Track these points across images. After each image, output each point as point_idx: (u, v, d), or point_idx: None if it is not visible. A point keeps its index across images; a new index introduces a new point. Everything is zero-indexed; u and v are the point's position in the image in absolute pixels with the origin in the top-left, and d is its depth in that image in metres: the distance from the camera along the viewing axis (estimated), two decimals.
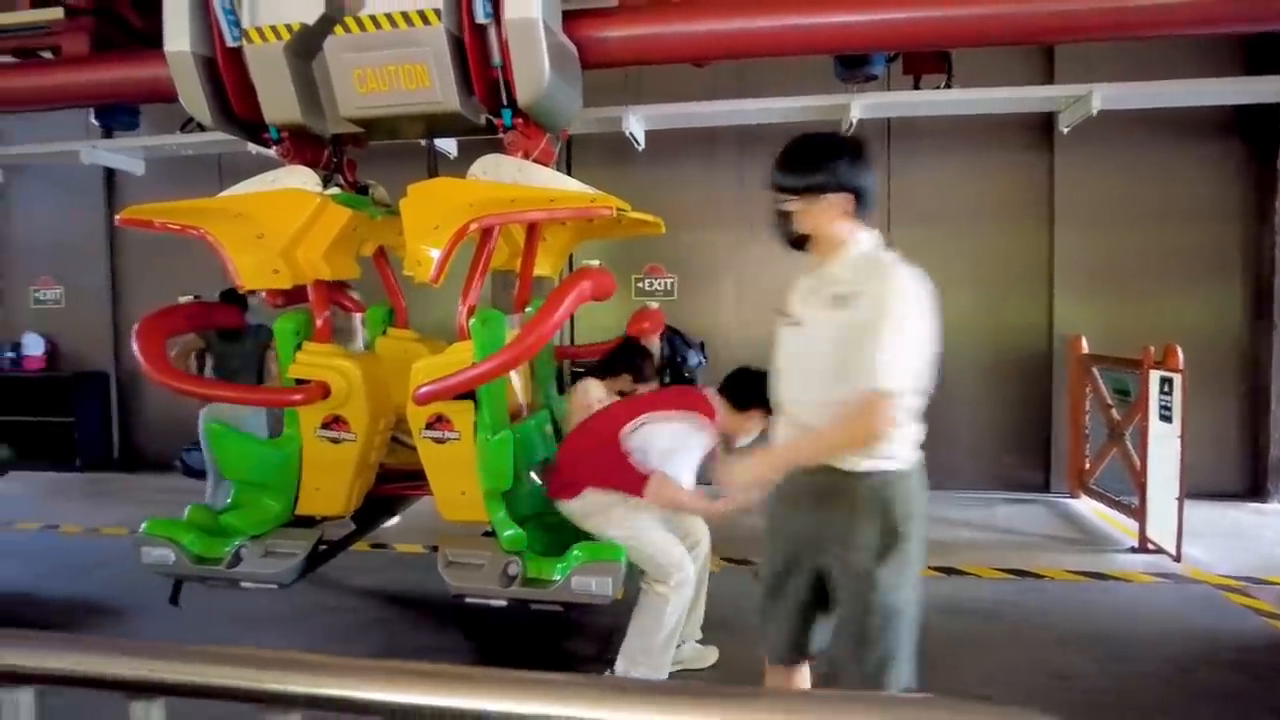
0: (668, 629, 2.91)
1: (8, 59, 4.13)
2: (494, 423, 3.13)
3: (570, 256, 4.52)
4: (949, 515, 5.45)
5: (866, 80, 4.22)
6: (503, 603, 3.08)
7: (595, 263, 3.38)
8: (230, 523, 3.35)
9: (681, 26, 3.50)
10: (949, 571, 4.38)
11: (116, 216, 3.27)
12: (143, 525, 3.31)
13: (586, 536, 3.06)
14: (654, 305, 4.69)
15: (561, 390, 4.25)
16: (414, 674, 0.67)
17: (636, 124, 5.92)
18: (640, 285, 6.80)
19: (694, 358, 5.24)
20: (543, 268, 3.92)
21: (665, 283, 6.81)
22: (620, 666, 2.94)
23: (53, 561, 4.76)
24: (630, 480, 2.85)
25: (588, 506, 3.01)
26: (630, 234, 3.87)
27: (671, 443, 2.92)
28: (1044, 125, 6.10)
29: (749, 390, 2.73)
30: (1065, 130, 5.70)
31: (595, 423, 3.13)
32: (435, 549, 3.25)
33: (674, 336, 5.20)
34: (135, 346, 3.23)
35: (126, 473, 7.55)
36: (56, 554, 4.96)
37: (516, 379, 3.53)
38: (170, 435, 6.97)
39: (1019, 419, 6.38)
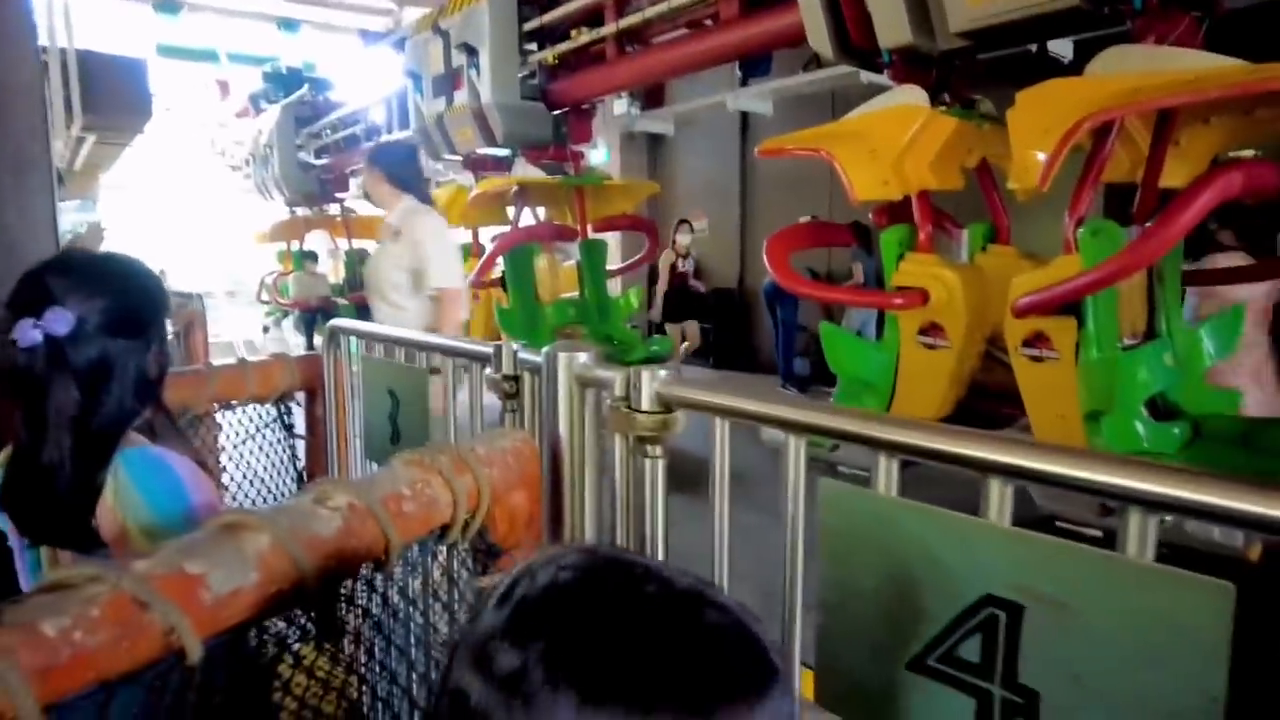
0: None
1: (683, 32, 5.18)
2: (1100, 340, 2.93)
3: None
4: None
5: None
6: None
7: (1249, 152, 2.83)
8: None
9: None
10: None
11: (755, 149, 3.92)
12: None
13: None
14: None
15: None
16: None
17: None
18: None
19: None
20: (1175, 177, 3.42)
21: None
22: None
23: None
24: None
25: None
26: None
27: None
28: None
29: None
30: None
31: None
32: None
33: None
34: (766, 257, 3.87)
35: (748, 372, 9.05)
36: None
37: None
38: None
39: None
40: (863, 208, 3.93)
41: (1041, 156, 2.75)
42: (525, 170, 5.98)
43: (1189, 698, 0.60)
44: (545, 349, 1.09)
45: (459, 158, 6.50)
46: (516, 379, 1.21)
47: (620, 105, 9.33)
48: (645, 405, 0.95)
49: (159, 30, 12.36)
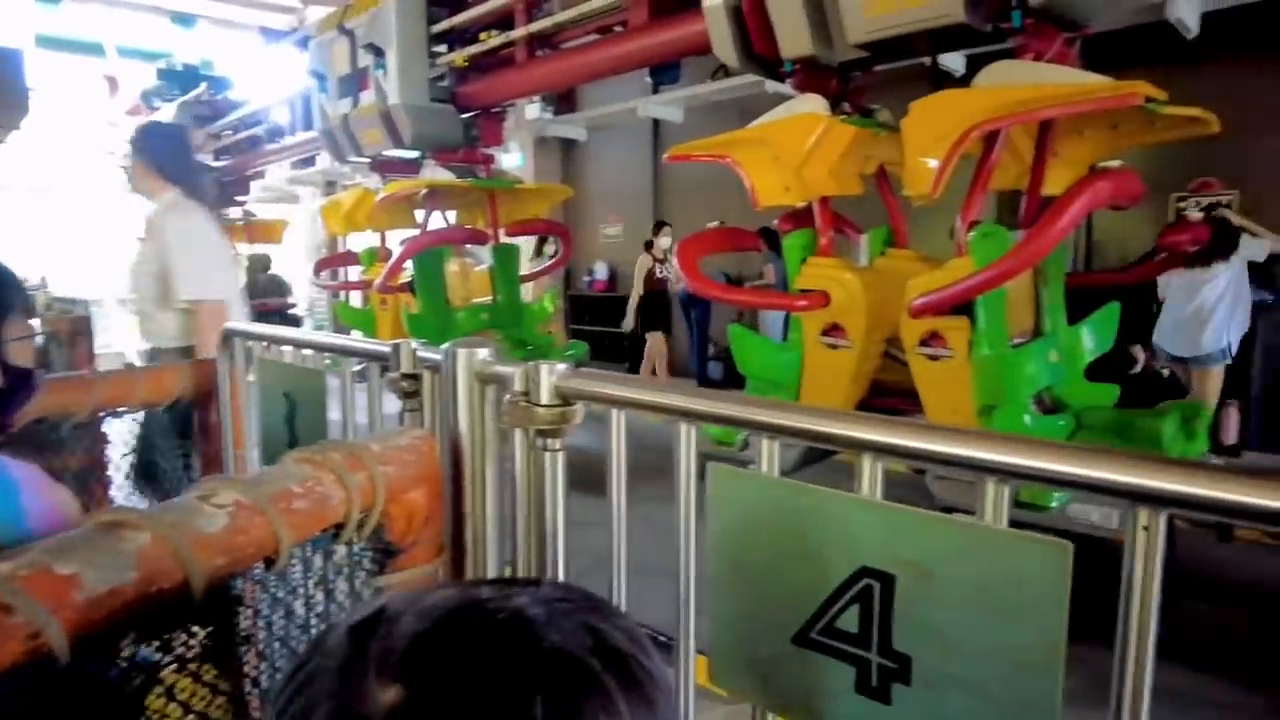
0: None
1: (593, 37, 5.21)
2: (991, 338, 3.10)
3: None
4: None
5: None
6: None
7: (1115, 162, 3.05)
8: None
9: None
10: None
11: (664, 155, 3.98)
12: None
13: None
14: (1198, 215, 3.99)
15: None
16: None
17: (1188, 7, 4.96)
18: (1183, 207, 5.74)
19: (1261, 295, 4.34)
20: (1055, 185, 3.65)
21: (1222, 201, 5.62)
22: None
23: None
24: None
25: None
26: (1169, 138, 3.35)
27: None
28: None
29: None
30: None
31: None
32: None
33: None
34: (677, 261, 3.93)
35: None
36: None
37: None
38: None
39: None
40: (769, 213, 4.05)
41: (933, 163, 2.89)
42: (435, 173, 5.89)
43: (1036, 646, 0.66)
44: (444, 345, 1.09)
45: (366, 160, 6.35)
46: (416, 378, 1.21)
47: (533, 109, 9.31)
48: (544, 399, 0.97)
49: (38, 19, 11.63)
